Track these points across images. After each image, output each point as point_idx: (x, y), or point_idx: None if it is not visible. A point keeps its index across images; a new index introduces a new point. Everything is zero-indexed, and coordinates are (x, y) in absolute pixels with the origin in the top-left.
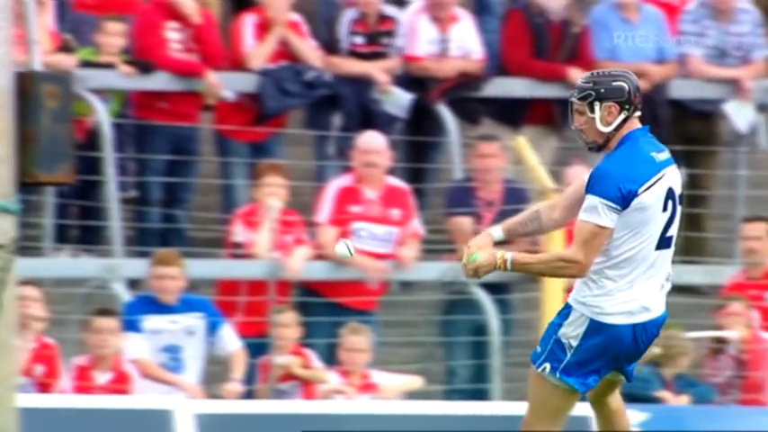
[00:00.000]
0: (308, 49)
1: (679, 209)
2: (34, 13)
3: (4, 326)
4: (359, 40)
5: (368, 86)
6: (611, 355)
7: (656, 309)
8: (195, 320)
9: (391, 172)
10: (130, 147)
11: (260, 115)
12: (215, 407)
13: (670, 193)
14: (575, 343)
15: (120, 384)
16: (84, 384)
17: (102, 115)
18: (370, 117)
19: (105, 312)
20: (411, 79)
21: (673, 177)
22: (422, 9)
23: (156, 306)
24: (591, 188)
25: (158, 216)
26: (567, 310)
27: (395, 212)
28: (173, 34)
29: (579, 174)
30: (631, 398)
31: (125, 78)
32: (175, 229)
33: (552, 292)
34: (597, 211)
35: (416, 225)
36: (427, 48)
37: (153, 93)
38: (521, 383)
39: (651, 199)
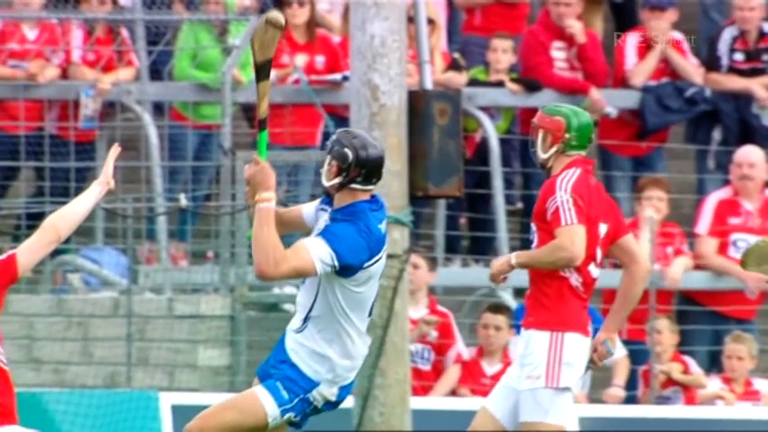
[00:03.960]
0: (690, 67)
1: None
2: (426, 35)
3: (397, 332)
4: (739, 56)
5: (747, 102)
6: None
7: None
8: None
9: None
10: (517, 161)
11: (642, 130)
12: (599, 411)
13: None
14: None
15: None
16: (473, 373)
17: (490, 131)
18: (749, 131)
19: (496, 309)
20: None
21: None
22: None
23: None
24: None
25: None
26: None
27: None
28: (558, 53)
29: None
30: None
31: (512, 96)
32: None
33: None
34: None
35: None
36: None
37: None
38: None
39: (375, 270)
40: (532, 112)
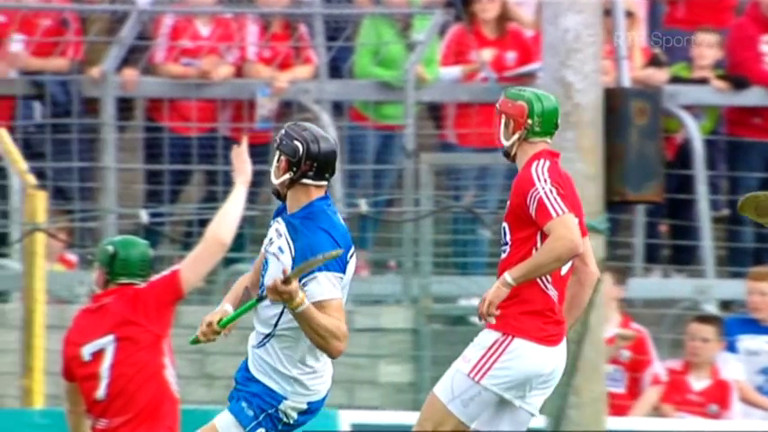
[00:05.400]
0: None
1: None
2: (624, 29)
3: (592, 348)
4: None
5: None
6: None
7: None
8: None
9: None
10: (723, 164)
11: None
12: None
13: None
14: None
15: (719, 392)
16: (678, 389)
17: (694, 132)
18: None
19: (704, 319)
20: None
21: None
22: None
23: (754, 326)
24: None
25: (752, 235)
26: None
27: None
28: None
29: None
30: None
31: (718, 94)
32: None
33: None
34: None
35: None
36: None
37: (747, 108)
38: None
39: (353, 265)
40: (740, 111)
